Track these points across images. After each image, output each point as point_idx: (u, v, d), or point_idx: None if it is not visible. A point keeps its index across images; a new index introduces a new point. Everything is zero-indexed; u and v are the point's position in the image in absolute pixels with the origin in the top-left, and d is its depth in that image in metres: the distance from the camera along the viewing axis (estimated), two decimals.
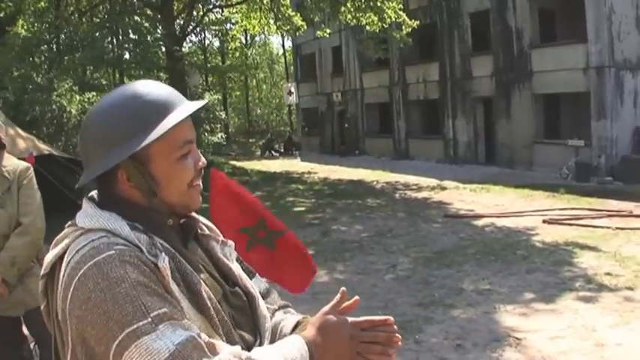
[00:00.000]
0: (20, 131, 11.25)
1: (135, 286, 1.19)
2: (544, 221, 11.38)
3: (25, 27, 21.03)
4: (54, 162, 11.24)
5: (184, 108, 1.39)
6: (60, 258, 1.32)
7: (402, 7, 20.37)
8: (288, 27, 21.91)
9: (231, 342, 1.31)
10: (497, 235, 10.65)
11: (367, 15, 19.62)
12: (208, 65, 37.59)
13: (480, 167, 21.85)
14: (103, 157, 1.33)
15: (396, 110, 27.69)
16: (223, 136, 31.77)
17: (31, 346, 4.05)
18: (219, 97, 29.72)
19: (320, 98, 33.68)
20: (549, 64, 19.37)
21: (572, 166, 18.25)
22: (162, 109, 1.36)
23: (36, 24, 20.83)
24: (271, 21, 23.21)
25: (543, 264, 8.41)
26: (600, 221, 11.16)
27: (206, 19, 26.44)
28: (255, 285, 1.57)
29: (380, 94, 28.60)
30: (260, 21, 23.54)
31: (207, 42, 46.37)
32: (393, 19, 19.68)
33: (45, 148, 11.53)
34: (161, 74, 21.37)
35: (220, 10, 27.12)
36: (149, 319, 1.16)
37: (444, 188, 17.29)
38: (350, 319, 1.40)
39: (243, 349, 1.26)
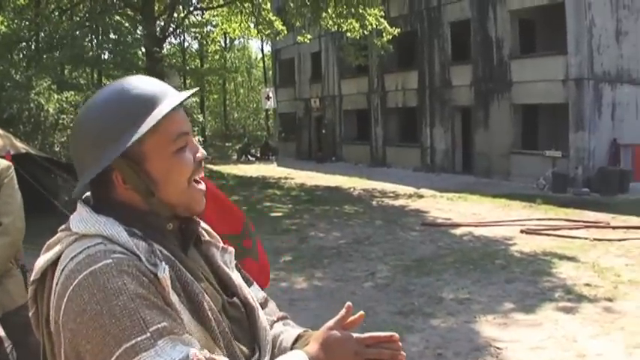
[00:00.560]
0: None
1: (133, 299, 1.11)
2: (522, 231, 11.39)
3: (5, 24, 20.70)
4: (31, 161, 11.01)
5: (174, 98, 1.30)
6: (53, 264, 1.22)
7: (384, 14, 20.41)
8: (269, 31, 21.84)
9: (231, 354, 1.26)
10: (475, 244, 10.62)
11: (349, 21, 19.61)
12: (187, 67, 37.47)
13: (457, 176, 21.93)
14: (95, 160, 1.25)
15: (374, 117, 27.73)
16: (200, 140, 31.53)
17: (8, 349, 3.89)
18: (197, 100, 29.59)
19: (298, 104, 33.63)
20: (529, 74, 19.54)
21: (549, 176, 18.37)
22: (150, 102, 1.28)
23: (15, 21, 20.52)
24: (252, 25, 23.20)
25: (522, 274, 8.38)
26: (578, 232, 11.21)
27: (187, 21, 26.33)
28: (253, 294, 1.49)
29: (358, 101, 28.64)
30: (240, 24, 23.54)
31: (186, 44, 46.33)
32: (374, 26, 19.74)
33: (22, 147, 11.27)
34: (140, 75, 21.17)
35: (201, 13, 27.02)
36: (148, 334, 1.09)
37: (421, 196, 17.28)
38: (355, 334, 1.36)
39: None
